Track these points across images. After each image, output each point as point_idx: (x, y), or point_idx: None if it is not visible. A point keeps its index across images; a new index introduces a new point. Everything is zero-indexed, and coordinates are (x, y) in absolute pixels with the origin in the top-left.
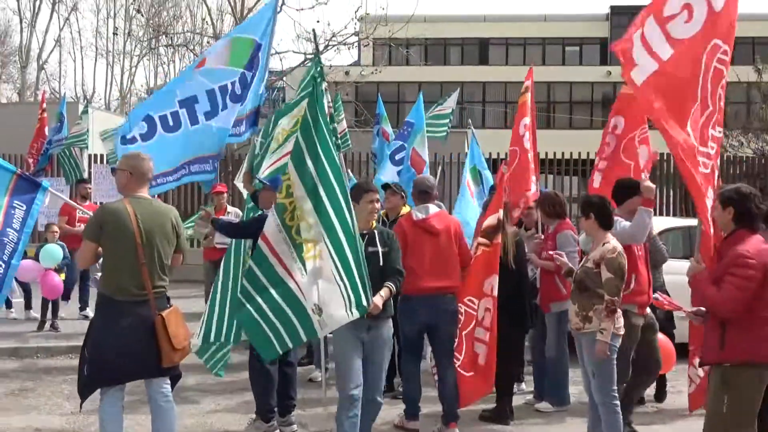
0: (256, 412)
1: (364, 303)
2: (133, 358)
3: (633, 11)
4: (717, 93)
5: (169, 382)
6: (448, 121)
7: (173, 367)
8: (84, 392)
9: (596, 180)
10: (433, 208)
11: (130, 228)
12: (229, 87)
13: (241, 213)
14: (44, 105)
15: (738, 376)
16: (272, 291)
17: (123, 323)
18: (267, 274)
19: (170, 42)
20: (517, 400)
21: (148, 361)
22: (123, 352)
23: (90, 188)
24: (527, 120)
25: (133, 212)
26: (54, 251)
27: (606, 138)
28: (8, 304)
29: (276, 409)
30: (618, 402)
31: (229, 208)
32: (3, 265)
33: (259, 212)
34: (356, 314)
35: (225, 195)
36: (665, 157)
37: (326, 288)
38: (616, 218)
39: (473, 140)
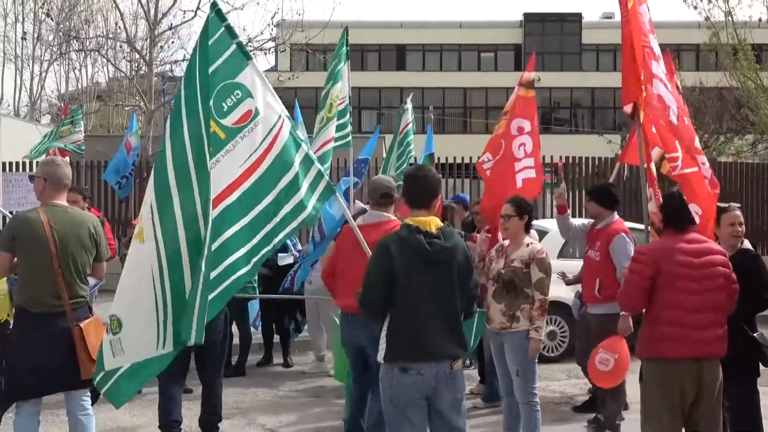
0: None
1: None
2: (51, 370)
3: (545, 18)
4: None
5: (89, 394)
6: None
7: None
8: (2, 406)
9: (519, 181)
10: (376, 216)
11: (44, 237)
12: None
13: None
14: None
15: (646, 370)
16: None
17: (40, 335)
18: None
19: (82, 47)
20: None
21: (67, 373)
22: (41, 365)
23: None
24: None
25: (47, 220)
26: None
27: (515, 140)
28: None
29: (180, 420)
30: (538, 401)
31: None
32: None
33: None
34: (168, 350)
35: None
36: (576, 161)
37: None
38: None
39: (430, 130)
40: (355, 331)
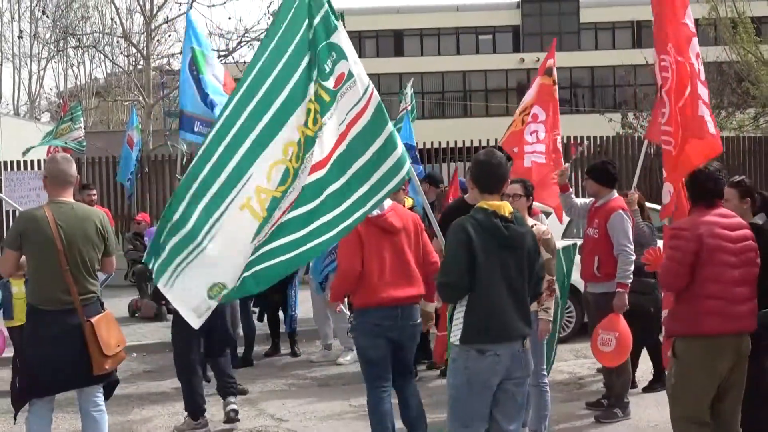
0: (185, 409)
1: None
2: (64, 368)
3: None
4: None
5: (101, 391)
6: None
7: (107, 375)
8: (16, 404)
9: (527, 161)
10: (387, 202)
11: (50, 234)
12: None
13: None
14: None
15: (683, 348)
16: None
17: (51, 333)
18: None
19: (78, 43)
20: None
21: (79, 370)
22: (53, 362)
23: (94, 195)
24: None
25: (53, 218)
26: None
27: (528, 126)
28: None
29: (205, 407)
30: (547, 382)
31: None
32: None
33: None
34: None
35: None
36: (578, 140)
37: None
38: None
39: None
40: (396, 323)
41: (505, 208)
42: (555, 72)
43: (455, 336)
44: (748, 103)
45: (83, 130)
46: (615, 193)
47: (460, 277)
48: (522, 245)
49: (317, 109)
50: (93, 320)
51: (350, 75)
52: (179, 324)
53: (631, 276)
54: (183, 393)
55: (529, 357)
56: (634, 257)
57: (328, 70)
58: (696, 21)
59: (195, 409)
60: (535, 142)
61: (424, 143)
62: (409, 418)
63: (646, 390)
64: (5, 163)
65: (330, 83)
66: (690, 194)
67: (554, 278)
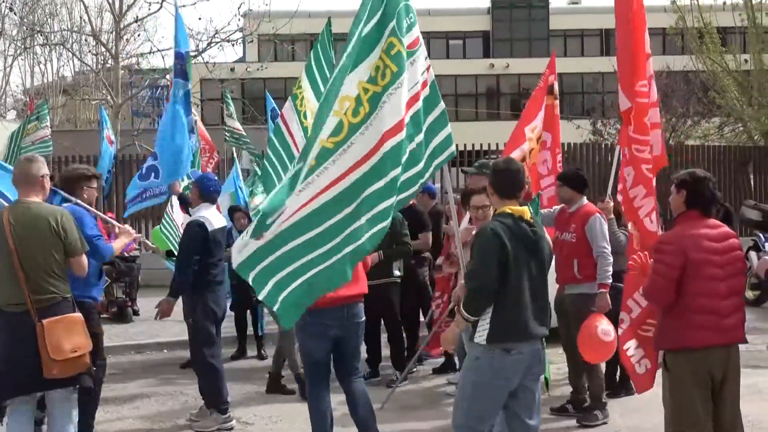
0: (208, 406)
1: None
2: (20, 370)
3: (513, 4)
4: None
5: (69, 395)
6: None
7: (67, 379)
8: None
9: (544, 199)
10: None
11: (4, 235)
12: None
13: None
14: None
15: (675, 362)
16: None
17: (9, 334)
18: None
19: (46, 41)
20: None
21: (33, 373)
22: (10, 363)
23: None
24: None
25: (8, 218)
26: None
27: (540, 155)
28: None
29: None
30: None
31: None
32: None
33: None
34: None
35: None
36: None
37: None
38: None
39: None
40: (342, 322)
41: (527, 212)
42: (556, 88)
43: (481, 336)
44: (713, 113)
45: (50, 129)
46: (585, 199)
47: (493, 282)
48: (543, 248)
49: (389, 65)
50: (45, 322)
51: (420, 45)
52: (206, 313)
53: (611, 277)
54: (208, 387)
55: (544, 353)
56: (612, 259)
57: (406, 26)
58: (663, 30)
59: (223, 402)
60: (546, 173)
61: None
62: (359, 415)
63: (610, 396)
64: None
65: (406, 40)
66: (690, 200)
67: None
